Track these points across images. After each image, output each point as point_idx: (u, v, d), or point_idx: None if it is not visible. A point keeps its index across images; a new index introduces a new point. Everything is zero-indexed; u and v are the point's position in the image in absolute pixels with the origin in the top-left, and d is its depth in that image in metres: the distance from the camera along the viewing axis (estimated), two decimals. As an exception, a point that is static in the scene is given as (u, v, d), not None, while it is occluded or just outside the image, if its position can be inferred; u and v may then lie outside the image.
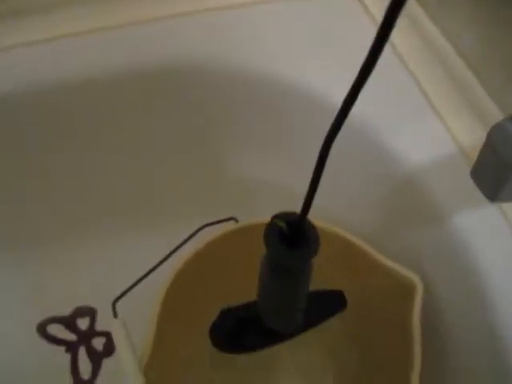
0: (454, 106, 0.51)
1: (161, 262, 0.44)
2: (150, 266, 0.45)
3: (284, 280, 0.31)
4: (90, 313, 0.63)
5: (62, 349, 0.61)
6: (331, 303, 0.42)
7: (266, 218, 0.44)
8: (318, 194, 0.47)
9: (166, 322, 0.41)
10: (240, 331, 0.39)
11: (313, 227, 0.28)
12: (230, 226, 0.47)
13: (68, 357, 0.61)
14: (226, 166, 0.64)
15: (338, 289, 0.44)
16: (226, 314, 0.39)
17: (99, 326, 0.62)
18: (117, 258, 0.65)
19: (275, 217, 0.28)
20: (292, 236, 0.28)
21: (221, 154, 0.63)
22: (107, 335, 0.62)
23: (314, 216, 0.48)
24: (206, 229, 0.46)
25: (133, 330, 0.43)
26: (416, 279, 0.44)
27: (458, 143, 0.48)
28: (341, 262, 0.47)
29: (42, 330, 0.62)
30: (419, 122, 0.50)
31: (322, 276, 0.48)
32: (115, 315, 0.41)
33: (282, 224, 0.27)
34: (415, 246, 0.50)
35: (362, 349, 0.52)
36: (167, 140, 0.63)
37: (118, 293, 0.44)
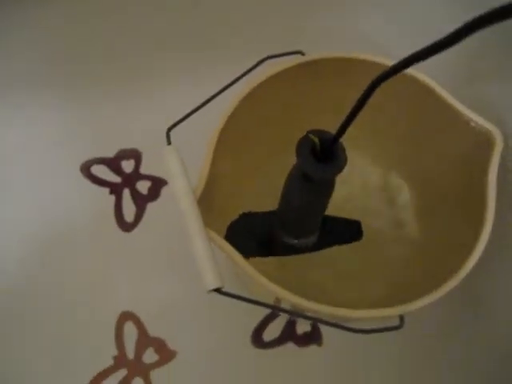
0: None
1: (220, 92, 0.40)
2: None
3: (306, 191, 0.33)
4: (135, 155, 0.61)
5: (106, 190, 0.60)
6: (348, 232, 0.43)
7: (334, 53, 0.41)
8: (395, 38, 0.42)
9: (223, 152, 0.39)
10: (257, 236, 0.40)
11: (343, 150, 0.30)
12: (297, 58, 0.42)
13: (112, 199, 0.59)
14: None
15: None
16: (245, 216, 0.40)
17: (144, 170, 0.60)
18: (167, 101, 0.62)
19: (311, 131, 0.30)
20: (322, 152, 0.29)
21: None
22: (152, 179, 0.60)
23: (392, 56, 0.44)
24: (271, 61, 0.42)
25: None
26: (496, 132, 0.41)
27: None
28: (419, 108, 0.43)
29: (85, 170, 0.60)
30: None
31: (399, 122, 0.45)
32: (169, 142, 0.38)
33: (316, 139, 0.29)
34: (500, 98, 0.45)
35: (431, 203, 0.49)
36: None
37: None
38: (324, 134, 0.30)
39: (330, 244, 0.42)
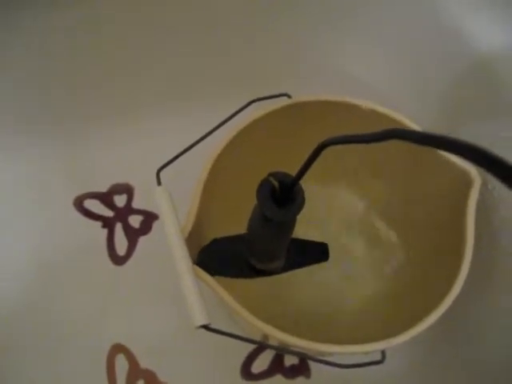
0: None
1: (208, 134, 0.42)
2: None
3: (266, 229, 0.34)
4: (128, 190, 0.62)
5: (99, 224, 0.61)
6: (315, 253, 0.44)
7: (321, 96, 0.43)
8: (381, 76, 0.44)
9: (210, 192, 0.40)
10: (227, 259, 0.42)
11: (302, 192, 0.31)
12: (283, 101, 0.44)
13: (104, 232, 0.60)
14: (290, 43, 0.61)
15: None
16: (216, 242, 0.41)
17: (136, 204, 0.62)
18: (158, 137, 0.64)
19: (271, 174, 0.31)
20: (281, 194, 0.31)
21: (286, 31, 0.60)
22: (144, 213, 0.61)
23: (374, 99, 0.46)
24: (257, 104, 0.44)
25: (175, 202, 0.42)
26: (473, 171, 0.43)
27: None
28: (400, 149, 0.45)
29: (78, 204, 0.61)
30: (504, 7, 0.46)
31: (381, 160, 0.46)
32: (159, 183, 0.40)
33: (275, 183, 0.31)
34: (477, 139, 0.47)
35: (412, 238, 0.51)
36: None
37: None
38: (284, 176, 0.31)
39: (297, 266, 0.43)
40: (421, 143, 0.19)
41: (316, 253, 0.44)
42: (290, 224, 0.35)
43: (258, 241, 0.38)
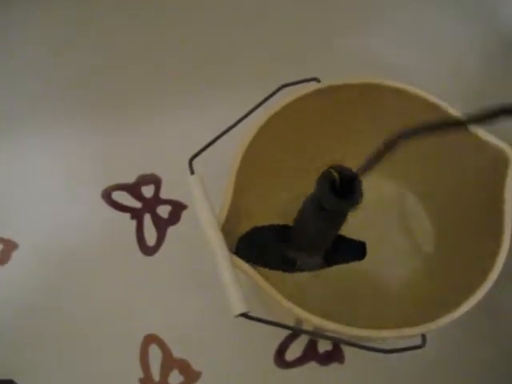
0: None
1: (239, 121, 0.41)
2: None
3: (320, 219, 0.34)
4: (155, 181, 0.62)
5: (127, 216, 0.61)
6: (353, 252, 0.43)
7: (349, 79, 0.42)
8: (409, 55, 0.43)
9: (243, 179, 0.40)
10: (267, 250, 0.41)
11: (360, 186, 0.31)
12: (312, 85, 0.43)
13: (133, 224, 0.61)
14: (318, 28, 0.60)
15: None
16: (256, 230, 0.41)
17: (164, 195, 0.62)
18: (183, 127, 0.63)
19: (333, 167, 0.31)
20: (341, 187, 0.31)
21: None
22: (172, 203, 0.61)
23: (402, 78, 0.45)
24: (287, 89, 0.43)
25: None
26: (510, 151, 0.41)
27: None
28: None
29: (107, 196, 0.61)
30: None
31: (423, 144, 0.46)
32: (192, 172, 0.40)
33: (336, 175, 0.31)
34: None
35: (447, 223, 0.50)
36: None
37: (185, 161, 0.42)
38: (344, 170, 0.31)
39: (334, 263, 0.43)
40: None
41: (353, 251, 0.43)
42: (343, 216, 0.35)
43: (307, 232, 0.37)
